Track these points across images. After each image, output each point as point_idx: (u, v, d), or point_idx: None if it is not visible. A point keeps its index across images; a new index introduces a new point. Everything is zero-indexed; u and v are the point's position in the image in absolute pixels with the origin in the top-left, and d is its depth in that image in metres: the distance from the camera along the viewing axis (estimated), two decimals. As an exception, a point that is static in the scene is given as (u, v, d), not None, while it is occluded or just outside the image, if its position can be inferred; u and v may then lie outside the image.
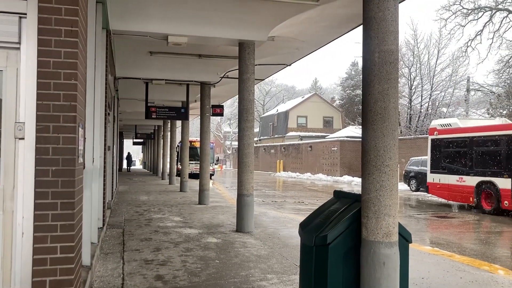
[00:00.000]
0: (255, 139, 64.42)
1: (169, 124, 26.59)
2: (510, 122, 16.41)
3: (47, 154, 3.49)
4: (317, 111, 56.26)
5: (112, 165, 12.30)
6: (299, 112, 56.25)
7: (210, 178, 19.18)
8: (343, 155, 34.23)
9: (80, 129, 3.81)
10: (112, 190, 13.06)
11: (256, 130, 71.37)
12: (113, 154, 12.33)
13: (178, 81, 14.25)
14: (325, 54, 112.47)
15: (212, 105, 14.78)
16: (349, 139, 35.79)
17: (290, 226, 9.64)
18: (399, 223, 4.22)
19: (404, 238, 4.41)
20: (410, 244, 4.58)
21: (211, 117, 14.79)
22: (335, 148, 35.27)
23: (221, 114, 15.74)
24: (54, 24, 3.51)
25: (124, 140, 46.32)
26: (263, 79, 15.51)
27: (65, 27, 3.54)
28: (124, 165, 43.10)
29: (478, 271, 6.20)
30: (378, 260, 4.00)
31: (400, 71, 35.93)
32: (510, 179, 13.22)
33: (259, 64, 11.60)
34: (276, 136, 57.81)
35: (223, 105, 16.40)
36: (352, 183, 28.68)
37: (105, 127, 8.14)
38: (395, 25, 4.13)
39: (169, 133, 26.09)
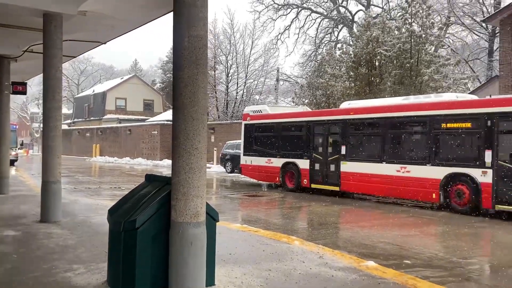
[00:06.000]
0: (69, 121, 59.58)
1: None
2: (310, 110, 18.59)
3: None
4: (137, 94, 54.71)
5: None
6: (118, 94, 53.88)
7: (13, 165, 17.11)
8: (164, 139, 34.14)
9: None
10: None
11: (70, 111, 66.11)
12: None
13: (-32, 51, 12.20)
14: (145, 36, 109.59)
15: (12, 82, 13.09)
16: (169, 122, 35.70)
17: (103, 213, 9.21)
18: (207, 203, 4.40)
19: (212, 217, 4.63)
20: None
21: (14, 95, 13.11)
22: (155, 132, 34.95)
23: (24, 93, 14.03)
24: None
25: None
26: (75, 56, 14.33)
27: None
28: None
29: (278, 243, 6.88)
30: (186, 240, 4.12)
31: (218, 59, 37.34)
32: (308, 160, 14.98)
33: (69, 40, 10.65)
34: (92, 118, 54.38)
35: (26, 83, 14.63)
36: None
37: None
38: (204, 11, 4.23)
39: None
